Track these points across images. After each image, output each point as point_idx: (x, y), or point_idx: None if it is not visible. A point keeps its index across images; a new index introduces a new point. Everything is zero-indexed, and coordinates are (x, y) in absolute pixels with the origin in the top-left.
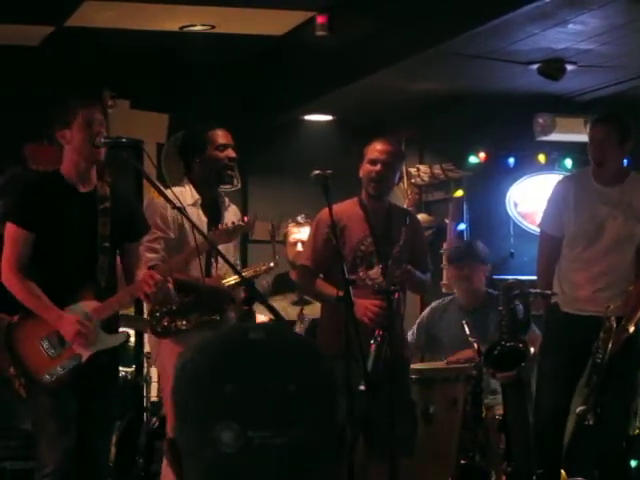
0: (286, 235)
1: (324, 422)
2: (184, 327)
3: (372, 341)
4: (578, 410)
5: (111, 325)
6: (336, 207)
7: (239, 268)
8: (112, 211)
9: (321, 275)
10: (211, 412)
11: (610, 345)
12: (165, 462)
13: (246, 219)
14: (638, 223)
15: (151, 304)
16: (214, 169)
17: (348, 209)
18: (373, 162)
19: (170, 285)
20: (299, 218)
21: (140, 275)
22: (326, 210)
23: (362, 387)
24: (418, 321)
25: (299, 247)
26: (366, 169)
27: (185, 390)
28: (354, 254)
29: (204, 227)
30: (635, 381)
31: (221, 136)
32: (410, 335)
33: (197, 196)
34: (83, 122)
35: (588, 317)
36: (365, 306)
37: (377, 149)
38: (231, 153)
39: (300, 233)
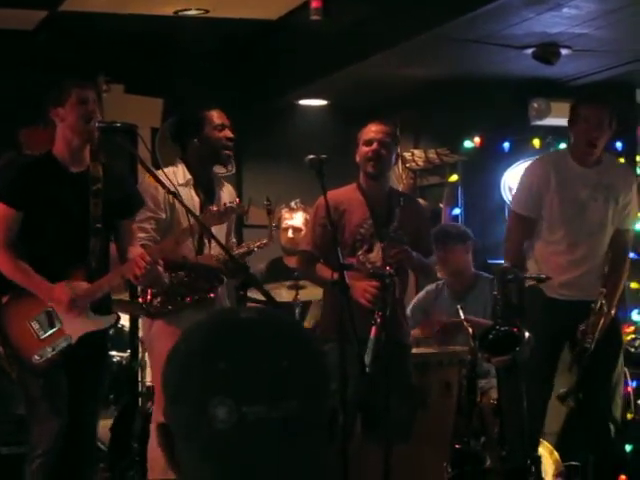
0: (279, 220)
1: (317, 398)
2: (176, 307)
3: (372, 323)
4: (560, 392)
5: (102, 307)
6: (335, 192)
7: (235, 247)
8: (105, 192)
9: (321, 260)
10: (204, 390)
11: (599, 329)
12: (151, 447)
13: (238, 201)
14: (617, 205)
15: (140, 285)
16: (212, 149)
17: (347, 194)
18: (369, 142)
19: (160, 268)
20: (292, 204)
21: (132, 254)
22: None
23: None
24: (413, 302)
25: (290, 233)
26: (362, 151)
27: (177, 371)
28: (354, 237)
29: (197, 207)
30: (617, 364)
31: (218, 116)
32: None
33: (189, 176)
34: (77, 100)
35: (573, 302)
36: (363, 288)
37: (372, 130)
38: (229, 133)
39: (292, 219)
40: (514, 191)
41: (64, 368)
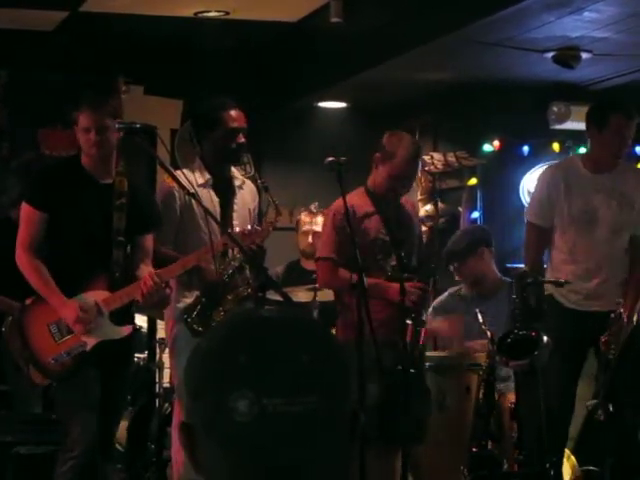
0: (298, 224)
1: (337, 395)
2: (223, 314)
3: (409, 321)
4: (588, 404)
5: (120, 317)
6: (349, 198)
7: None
8: (128, 206)
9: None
10: (225, 383)
11: (621, 339)
12: (174, 449)
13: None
14: (632, 211)
15: (147, 305)
16: (222, 152)
17: (359, 199)
18: (396, 178)
19: (168, 290)
20: (312, 207)
21: (142, 272)
22: (340, 202)
23: (400, 367)
24: (435, 304)
25: (310, 238)
26: (387, 182)
27: (199, 367)
28: (375, 243)
29: (216, 208)
30: None
31: (234, 119)
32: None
33: (208, 176)
34: (81, 127)
35: (593, 313)
36: (406, 289)
37: (408, 161)
38: (241, 139)
39: (312, 224)
40: (529, 200)
41: (98, 370)
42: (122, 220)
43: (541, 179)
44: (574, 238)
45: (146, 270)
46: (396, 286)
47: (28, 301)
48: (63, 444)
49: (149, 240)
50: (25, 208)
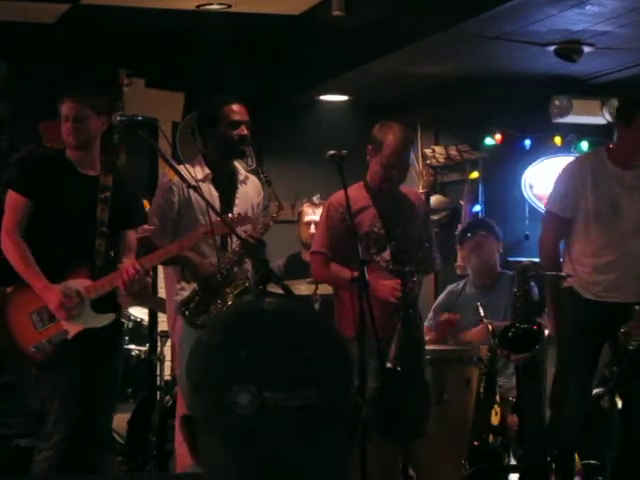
0: (300, 215)
1: (339, 387)
2: (220, 307)
3: (396, 320)
4: (594, 392)
5: (103, 305)
6: (347, 191)
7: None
8: (112, 200)
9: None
10: (226, 377)
11: None
12: (178, 441)
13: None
14: None
15: (129, 294)
16: (225, 145)
17: (356, 193)
18: (388, 167)
19: (149, 279)
20: (314, 199)
21: (125, 263)
22: (336, 195)
23: (389, 364)
24: (435, 304)
25: (312, 229)
26: (380, 172)
27: (200, 360)
28: (368, 237)
29: (216, 202)
30: None
31: (235, 112)
32: (428, 320)
33: (207, 171)
34: (61, 114)
35: (612, 304)
36: (391, 285)
37: (395, 149)
38: (243, 130)
39: (315, 214)
40: (550, 191)
41: (80, 362)
42: (105, 212)
43: (568, 170)
44: (596, 231)
45: (127, 263)
46: (384, 283)
47: (8, 290)
48: (41, 433)
49: (132, 235)
50: (10, 194)
